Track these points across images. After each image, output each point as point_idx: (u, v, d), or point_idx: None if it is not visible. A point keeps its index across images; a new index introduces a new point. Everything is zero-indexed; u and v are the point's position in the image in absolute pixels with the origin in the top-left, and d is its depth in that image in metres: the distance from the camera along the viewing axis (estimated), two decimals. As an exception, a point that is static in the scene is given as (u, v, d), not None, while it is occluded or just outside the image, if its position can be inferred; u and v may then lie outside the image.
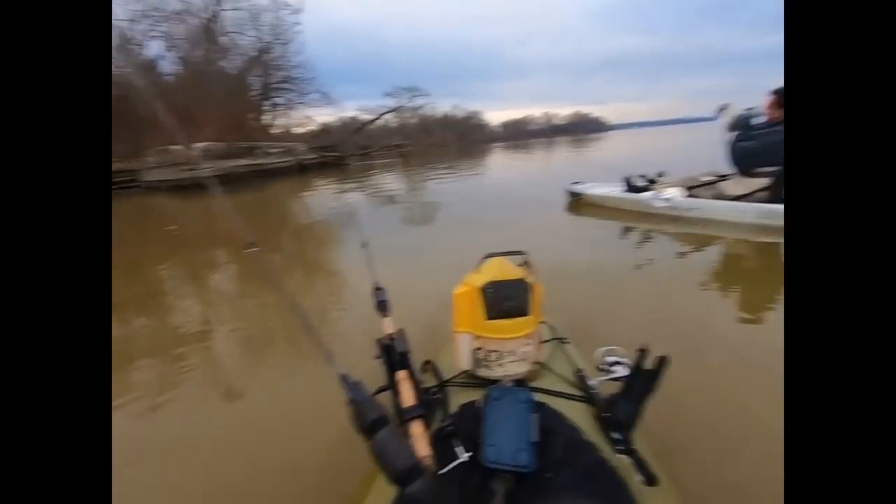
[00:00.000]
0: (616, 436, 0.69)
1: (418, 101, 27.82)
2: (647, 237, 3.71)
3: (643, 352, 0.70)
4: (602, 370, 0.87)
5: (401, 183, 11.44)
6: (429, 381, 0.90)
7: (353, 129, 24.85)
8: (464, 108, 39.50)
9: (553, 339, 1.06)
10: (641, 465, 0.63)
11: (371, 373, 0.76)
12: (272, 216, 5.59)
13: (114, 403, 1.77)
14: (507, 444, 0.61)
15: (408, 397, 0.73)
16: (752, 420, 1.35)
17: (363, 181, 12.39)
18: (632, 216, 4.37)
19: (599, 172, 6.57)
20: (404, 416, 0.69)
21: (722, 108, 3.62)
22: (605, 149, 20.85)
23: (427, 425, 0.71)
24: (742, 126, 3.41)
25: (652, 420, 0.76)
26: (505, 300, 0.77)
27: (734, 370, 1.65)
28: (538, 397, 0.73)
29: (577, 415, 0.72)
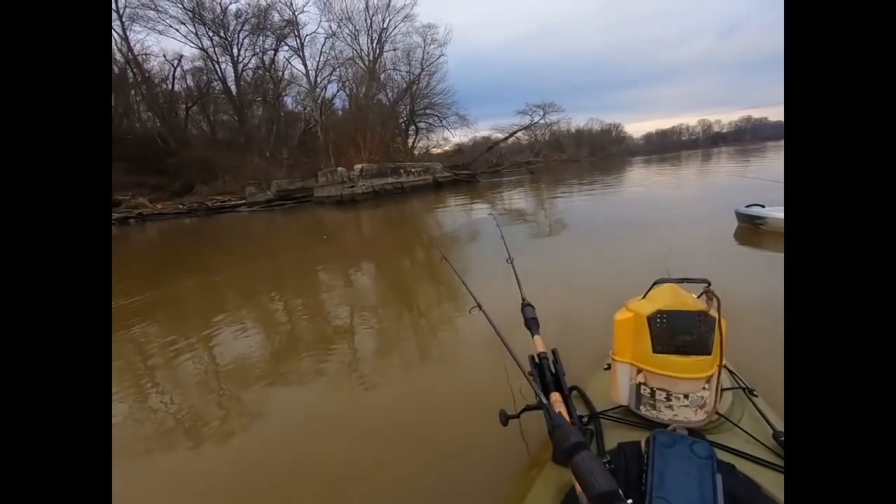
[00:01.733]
0: None
1: (552, 117, 27.31)
2: None
3: None
4: None
5: (527, 199, 11.36)
6: (578, 409, 0.81)
7: (485, 148, 25.84)
8: (601, 120, 37.15)
9: (737, 387, 0.86)
10: None
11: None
12: (409, 228, 6.13)
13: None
14: (681, 500, 0.52)
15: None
16: None
17: (491, 197, 12.73)
18: None
19: (769, 192, 5.01)
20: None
21: None
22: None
23: None
24: None
25: None
26: (678, 333, 0.68)
27: None
28: (721, 456, 0.61)
29: (778, 489, 0.58)
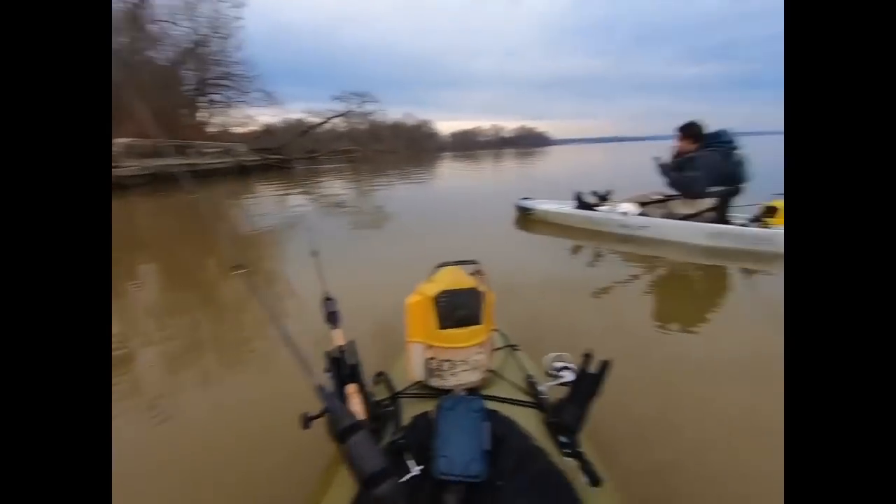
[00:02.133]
0: (563, 439, 0.71)
1: (368, 107, 27.32)
2: (598, 256, 3.72)
3: (588, 357, 0.73)
4: (551, 375, 0.90)
5: (350, 189, 11.18)
6: (381, 394, 0.88)
7: (300, 131, 23.89)
8: (414, 116, 39.56)
9: (505, 346, 1.08)
10: (586, 467, 0.66)
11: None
12: (206, 221, 5.16)
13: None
14: (460, 454, 0.60)
15: (357, 411, 0.70)
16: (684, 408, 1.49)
17: (309, 186, 11.94)
18: (581, 234, 4.34)
19: (545, 187, 6.67)
20: None
21: (657, 161, 3.85)
22: (551, 163, 21.96)
23: (379, 439, 0.69)
24: (669, 168, 3.72)
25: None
26: (457, 309, 0.77)
27: (674, 368, 1.80)
28: (490, 405, 0.73)
29: (528, 421, 0.74)
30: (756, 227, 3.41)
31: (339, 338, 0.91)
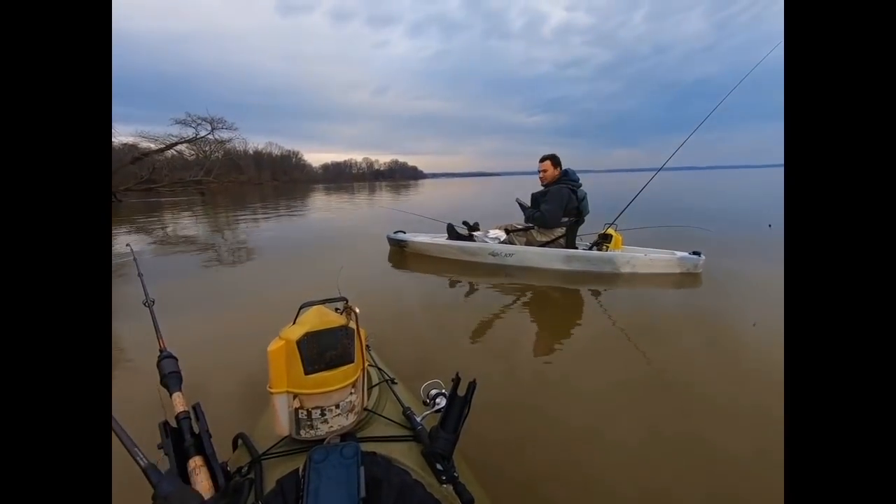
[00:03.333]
0: (439, 467, 0.72)
1: (222, 134, 24.59)
2: (473, 289, 3.82)
3: (456, 380, 0.76)
4: (427, 404, 0.92)
5: (202, 224, 9.73)
6: (243, 459, 0.76)
7: (132, 158, 20.00)
8: (280, 145, 37.21)
9: (381, 381, 1.04)
10: (459, 491, 0.68)
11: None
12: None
13: None
14: None
15: (204, 489, 0.60)
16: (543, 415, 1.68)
17: (148, 221, 9.99)
18: (455, 268, 4.46)
19: (416, 219, 6.79)
20: None
21: (518, 200, 4.54)
22: (423, 194, 23.05)
23: None
24: (529, 207, 4.34)
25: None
26: (327, 350, 0.73)
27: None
28: (367, 447, 0.70)
29: (407, 455, 0.73)
30: (597, 252, 4.14)
31: (179, 403, 0.79)
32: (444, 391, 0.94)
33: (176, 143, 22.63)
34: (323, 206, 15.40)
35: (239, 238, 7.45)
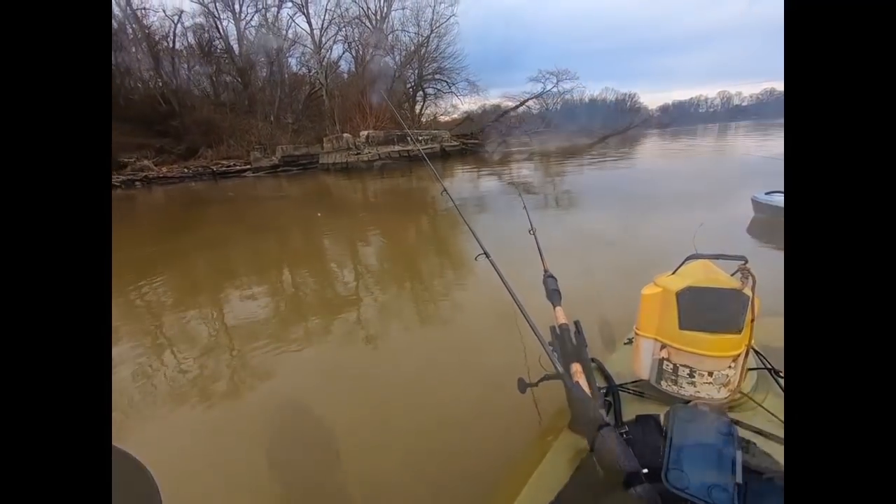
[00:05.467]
0: None
1: (565, 85, 26.09)
2: None
3: None
4: None
5: (538, 172, 11.15)
6: (597, 381, 0.81)
7: (495, 116, 25.09)
8: (616, 90, 35.58)
9: (762, 368, 0.83)
10: None
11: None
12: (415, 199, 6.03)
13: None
14: (699, 474, 0.52)
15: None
16: None
17: (502, 168, 12.50)
18: None
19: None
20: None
21: None
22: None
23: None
24: None
25: None
26: (708, 310, 0.66)
27: None
28: (742, 434, 0.61)
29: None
30: None
31: (560, 315, 0.88)
32: None
33: (526, 101, 26.32)
34: (654, 154, 13.87)
35: (573, 185, 8.02)
